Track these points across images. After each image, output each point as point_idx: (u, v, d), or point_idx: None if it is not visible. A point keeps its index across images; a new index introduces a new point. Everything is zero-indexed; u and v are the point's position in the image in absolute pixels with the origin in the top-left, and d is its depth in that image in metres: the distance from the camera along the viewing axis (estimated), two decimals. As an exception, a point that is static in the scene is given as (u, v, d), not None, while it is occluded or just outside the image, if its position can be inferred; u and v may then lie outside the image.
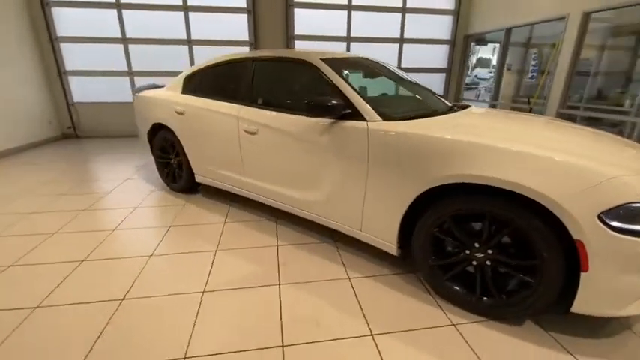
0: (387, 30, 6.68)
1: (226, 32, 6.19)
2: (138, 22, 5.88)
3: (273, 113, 2.31)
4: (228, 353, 1.46)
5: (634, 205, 1.29)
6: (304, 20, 6.33)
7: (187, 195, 3.32)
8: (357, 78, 2.48)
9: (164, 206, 3.07)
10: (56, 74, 5.96)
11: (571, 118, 4.87)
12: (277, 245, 2.39)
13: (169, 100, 3.07)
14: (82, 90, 6.19)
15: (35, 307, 1.73)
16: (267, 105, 2.42)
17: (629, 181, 1.33)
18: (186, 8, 5.92)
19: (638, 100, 4.97)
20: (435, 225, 1.71)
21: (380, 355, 1.46)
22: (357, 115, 1.93)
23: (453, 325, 1.65)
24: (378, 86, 2.58)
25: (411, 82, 2.75)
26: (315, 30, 6.43)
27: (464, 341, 1.54)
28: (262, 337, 1.55)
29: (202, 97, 2.85)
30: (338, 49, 6.61)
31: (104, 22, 5.80)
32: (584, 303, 1.41)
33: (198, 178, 3.14)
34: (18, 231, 2.58)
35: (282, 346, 1.50)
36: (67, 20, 5.76)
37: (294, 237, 2.50)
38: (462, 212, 1.61)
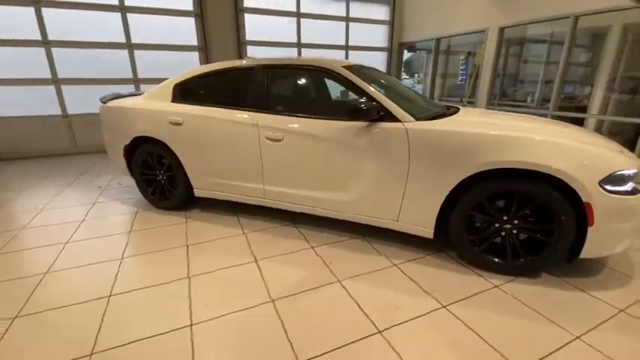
0: (334, 37, 7.07)
1: (173, 36, 5.77)
2: (63, 23, 5.06)
3: (301, 119, 2.37)
4: (336, 350, 1.52)
5: (619, 172, 1.79)
6: (256, 26, 6.29)
7: (179, 212, 3.08)
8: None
9: (164, 226, 2.81)
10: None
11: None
12: (311, 247, 2.45)
13: (158, 109, 2.83)
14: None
15: None
16: (288, 112, 2.46)
17: (611, 155, 1.85)
18: (123, 9, 5.33)
19: (537, 97, 6.35)
20: (471, 206, 2.04)
21: (462, 322, 1.70)
22: (390, 117, 2.15)
23: (497, 287, 1.99)
24: (382, 91, 2.83)
25: (407, 87, 3.08)
26: (267, 36, 6.44)
27: (510, 297, 1.89)
28: (358, 329, 1.64)
29: (204, 106, 2.71)
30: (289, 55, 6.74)
31: (21, 20, 4.85)
32: (590, 249, 1.88)
33: (198, 192, 2.95)
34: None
35: (380, 332, 1.63)
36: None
37: (322, 238, 2.59)
38: (497, 192, 1.96)
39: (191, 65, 5.98)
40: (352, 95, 2.36)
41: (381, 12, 7.41)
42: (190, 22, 5.85)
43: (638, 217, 1.86)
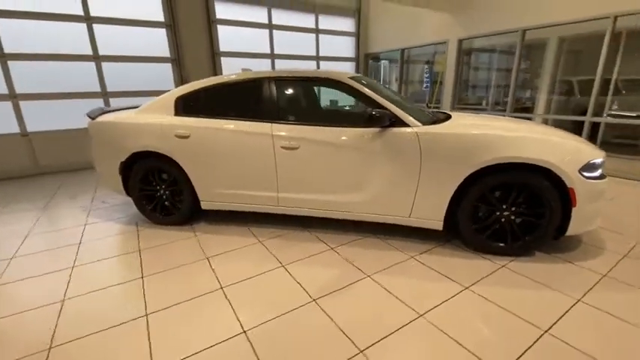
0: (306, 48, 7.29)
1: (143, 47, 5.57)
2: (21, 34, 4.66)
3: (316, 127, 2.50)
4: (389, 336, 1.66)
5: (592, 161, 2.18)
6: (229, 37, 6.28)
7: (183, 227, 3.02)
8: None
9: (175, 242, 2.75)
10: None
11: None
12: (331, 248, 2.58)
13: (161, 123, 2.78)
14: None
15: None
16: (301, 121, 2.58)
17: (585, 147, 2.24)
18: (89, 19, 5.05)
19: (490, 100, 7.09)
20: (476, 198, 2.32)
21: (486, 299, 1.93)
22: (400, 123, 2.37)
23: (503, 266, 2.27)
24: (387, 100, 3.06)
25: (402, 96, 3.33)
26: (241, 47, 6.46)
27: (516, 273, 2.18)
28: (402, 315, 1.80)
29: (212, 118, 2.73)
30: (264, 66, 6.82)
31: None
32: (575, 227, 2.25)
33: (205, 205, 2.93)
34: None
35: (421, 315, 1.80)
36: None
37: (337, 239, 2.72)
38: (498, 184, 2.26)
39: (164, 77, 5.84)
40: (346, 102, 2.55)
41: (347, 24, 7.80)
42: (162, 33, 5.69)
43: (604, 197, 2.27)
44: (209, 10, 5.93)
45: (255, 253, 2.53)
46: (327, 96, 2.90)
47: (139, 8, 5.40)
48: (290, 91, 2.69)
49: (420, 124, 2.37)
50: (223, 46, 6.27)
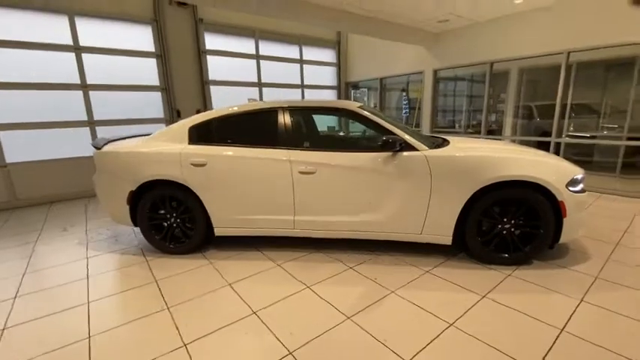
0: (291, 77, 7.60)
1: (132, 76, 5.56)
2: (6, 63, 4.53)
3: (332, 153, 2.67)
4: (429, 345, 1.78)
5: (575, 177, 2.51)
6: (218, 66, 6.44)
7: (194, 255, 2.99)
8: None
9: (190, 271, 2.71)
10: None
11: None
12: (350, 268, 2.68)
13: (176, 152, 2.82)
14: None
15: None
16: (316, 147, 2.75)
17: (568, 165, 2.58)
18: (78, 49, 5.01)
19: (463, 124, 7.70)
20: (481, 212, 2.56)
21: (503, 305, 2.12)
22: (409, 147, 2.61)
23: (509, 275, 2.49)
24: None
25: (403, 124, 3.62)
26: (230, 76, 6.63)
27: (522, 280, 2.40)
28: (434, 326, 1.93)
29: (228, 146, 2.81)
30: (252, 94, 7.01)
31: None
32: (566, 235, 2.53)
33: (219, 232, 2.95)
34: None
35: (451, 324, 1.94)
36: None
37: (353, 259, 2.83)
38: (500, 200, 2.52)
39: (153, 105, 5.83)
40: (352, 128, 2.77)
41: (329, 55, 8.27)
42: (152, 62, 5.74)
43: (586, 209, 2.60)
44: (199, 41, 6.10)
45: (276, 277, 2.57)
46: (320, 122, 3.11)
47: (130, 39, 5.45)
48: (304, 119, 2.86)
49: (427, 148, 2.62)
50: (212, 75, 6.40)
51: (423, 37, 6.36)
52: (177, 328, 1.98)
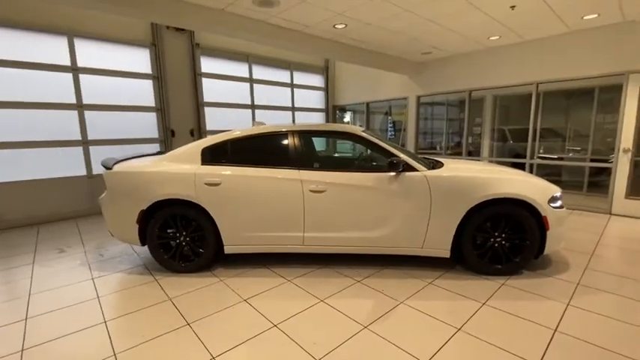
0: (282, 100, 7.89)
1: (125, 96, 5.62)
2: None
3: (340, 173, 2.88)
4: (442, 348, 1.95)
5: (554, 194, 2.85)
6: (212, 89, 6.62)
7: (201, 273, 3.04)
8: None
9: (202, 288, 2.77)
10: None
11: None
12: (358, 282, 2.83)
13: (190, 172, 2.93)
14: None
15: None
16: (324, 167, 2.95)
17: (548, 184, 2.92)
18: (75, 70, 5.05)
19: (444, 145, 8.17)
20: (475, 227, 2.82)
21: (502, 310, 2.34)
22: (410, 168, 2.87)
23: (504, 284, 2.74)
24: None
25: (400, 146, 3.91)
26: (224, 98, 6.82)
27: (517, 289, 2.65)
28: (444, 331, 2.11)
29: (241, 166, 2.96)
30: (245, 116, 7.20)
31: None
32: (549, 247, 2.83)
33: (228, 249, 3.03)
34: None
35: (459, 329, 2.13)
36: None
37: (359, 273, 2.99)
38: (491, 215, 2.80)
39: (147, 126, 5.88)
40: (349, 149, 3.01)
41: (318, 80, 8.68)
42: (147, 84, 5.84)
43: (566, 224, 2.94)
44: (195, 64, 6.28)
45: (289, 292, 2.68)
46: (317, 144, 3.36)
47: (127, 61, 5.56)
48: (313, 142, 3.07)
49: (425, 168, 2.89)
50: (207, 97, 6.56)
51: (407, 66, 6.88)
52: (202, 343, 2.04)
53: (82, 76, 5.13)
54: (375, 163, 3.23)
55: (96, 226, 4.73)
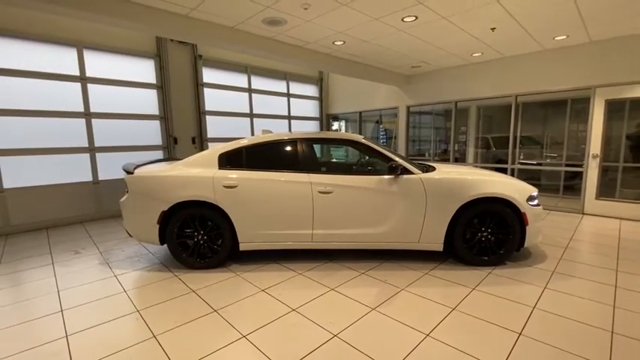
0: (279, 109, 8.22)
1: (131, 105, 5.84)
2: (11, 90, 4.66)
3: (345, 176, 3.22)
4: (444, 319, 2.28)
5: (531, 194, 3.26)
6: (213, 98, 6.90)
7: (217, 269, 3.29)
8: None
9: (221, 282, 3.02)
10: None
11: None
12: (362, 273, 3.15)
13: (209, 176, 3.20)
14: None
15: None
16: (331, 171, 3.28)
17: (525, 184, 3.34)
18: (84, 79, 5.25)
19: (432, 152, 8.66)
20: (465, 223, 3.20)
21: (489, 294, 2.70)
22: (407, 171, 3.23)
23: (490, 273, 3.11)
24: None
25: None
26: (224, 106, 7.10)
27: (501, 277, 3.02)
28: (442, 311, 2.44)
29: (256, 170, 3.26)
30: (244, 124, 7.49)
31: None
32: (529, 240, 3.23)
33: (243, 246, 3.30)
34: None
35: (454, 309, 2.47)
36: None
37: (363, 266, 3.31)
38: (479, 212, 3.18)
39: (152, 133, 6.10)
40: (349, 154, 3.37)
41: (312, 90, 9.07)
42: (152, 93, 6.07)
43: (542, 220, 3.35)
44: (197, 75, 6.56)
45: (302, 283, 2.97)
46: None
47: (133, 71, 5.79)
48: (320, 148, 3.40)
49: (420, 172, 3.26)
50: (208, 106, 6.83)
51: (398, 78, 7.35)
52: (232, 325, 2.31)
53: (90, 86, 5.33)
54: (371, 168, 3.60)
55: (105, 229, 4.89)
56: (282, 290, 2.83)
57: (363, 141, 3.41)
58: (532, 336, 2.12)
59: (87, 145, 5.38)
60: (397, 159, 3.29)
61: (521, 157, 7.15)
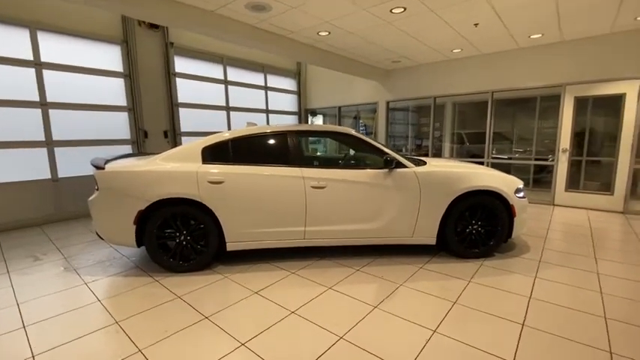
0: (257, 102, 7.92)
1: (95, 95, 5.32)
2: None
3: (339, 170, 3.10)
4: (446, 317, 2.25)
5: (518, 186, 3.34)
6: (187, 89, 6.48)
7: (202, 272, 3.06)
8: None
9: (208, 285, 2.80)
10: None
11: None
12: (358, 270, 3.06)
13: (192, 171, 2.94)
14: None
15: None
16: (323, 165, 3.15)
17: (512, 177, 3.41)
18: (38, 65, 4.68)
19: (409, 147, 8.79)
20: (457, 216, 3.21)
21: (484, 285, 2.72)
22: (400, 165, 3.17)
23: (482, 265, 3.15)
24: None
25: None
26: (199, 99, 6.70)
27: (493, 268, 3.07)
28: (442, 306, 2.41)
29: (243, 165, 3.04)
30: (220, 117, 7.13)
31: None
32: (516, 231, 3.32)
33: (230, 246, 3.08)
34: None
35: (455, 302, 2.45)
36: None
37: (357, 263, 3.23)
38: (470, 205, 3.20)
39: (119, 126, 5.61)
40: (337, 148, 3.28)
41: (290, 83, 8.84)
42: (117, 82, 5.57)
43: (527, 211, 3.45)
44: (169, 64, 6.12)
45: (297, 282, 2.82)
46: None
47: (96, 58, 5.27)
48: (311, 141, 3.25)
49: (413, 165, 3.22)
50: (182, 98, 6.40)
51: (377, 73, 7.33)
52: (226, 332, 2.12)
53: (45, 72, 4.77)
54: (361, 162, 3.50)
55: (67, 232, 4.42)
56: (277, 291, 2.67)
57: (355, 134, 3.30)
58: (535, 326, 2.14)
59: (44, 139, 4.82)
60: (390, 152, 3.22)
61: (494, 152, 7.45)
